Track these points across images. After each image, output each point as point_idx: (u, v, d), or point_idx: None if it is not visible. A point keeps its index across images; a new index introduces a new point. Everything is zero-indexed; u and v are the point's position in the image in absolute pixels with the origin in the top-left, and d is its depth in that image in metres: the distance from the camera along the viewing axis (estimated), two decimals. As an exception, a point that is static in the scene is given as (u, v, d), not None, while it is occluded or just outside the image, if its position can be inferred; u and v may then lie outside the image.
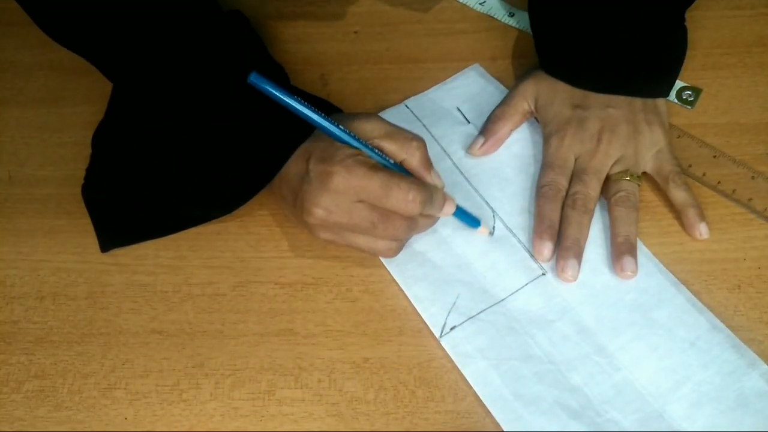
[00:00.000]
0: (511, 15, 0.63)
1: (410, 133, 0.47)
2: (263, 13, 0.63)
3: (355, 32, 0.62)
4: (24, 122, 0.58)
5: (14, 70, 0.61)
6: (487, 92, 0.58)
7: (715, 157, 0.52)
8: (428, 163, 0.47)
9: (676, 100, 0.56)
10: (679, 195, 0.50)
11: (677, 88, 0.56)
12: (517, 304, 0.47)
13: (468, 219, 0.50)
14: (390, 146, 0.46)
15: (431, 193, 0.45)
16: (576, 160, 0.51)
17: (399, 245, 0.47)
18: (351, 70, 0.60)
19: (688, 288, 0.47)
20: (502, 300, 0.48)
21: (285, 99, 0.44)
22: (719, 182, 0.51)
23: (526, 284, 0.48)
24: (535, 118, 0.55)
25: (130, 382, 0.46)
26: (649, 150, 0.52)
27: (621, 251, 0.48)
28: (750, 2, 0.60)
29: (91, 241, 0.52)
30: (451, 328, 0.47)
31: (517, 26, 0.62)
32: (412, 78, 0.59)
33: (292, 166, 0.47)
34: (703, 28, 0.59)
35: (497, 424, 0.43)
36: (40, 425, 0.45)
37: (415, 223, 0.46)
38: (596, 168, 0.50)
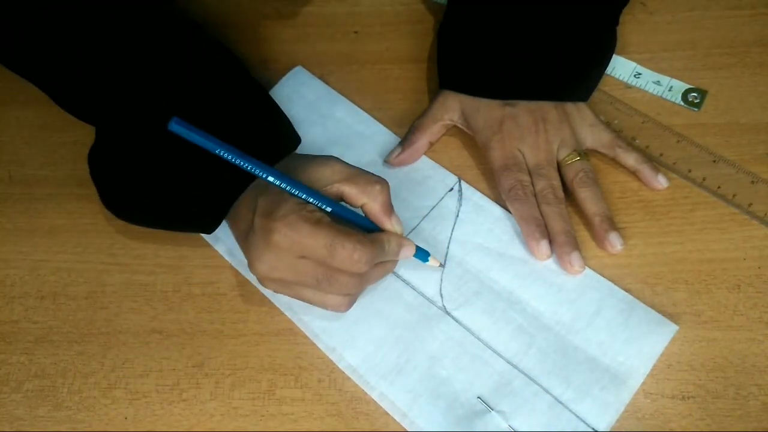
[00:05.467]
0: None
1: (373, 175, 0.44)
2: (263, 13, 0.63)
3: (355, 32, 0.62)
4: (24, 122, 0.58)
5: (14, 70, 0.61)
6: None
7: (714, 161, 0.52)
8: (389, 209, 0.45)
9: (682, 102, 0.56)
10: (629, 157, 0.52)
11: (683, 90, 0.56)
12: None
13: (420, 254, 0.47)
14: (351, 190, 0.44)
15: (381, 248, 0.43)
16: (524, 156, 0.52)
17: (350, 299, 0.45)
18: (351, 70, 0.60)
19: (687, 288, 0.48)
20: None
21: (217, 150, 0.40)
22: (719, 187, 0.51)
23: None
24: (463, 129, 0.54)
25: (130, 381, 0.46)
26: (583, 126, 0.53)
27: (604, 229, 0.49)
28: (750, 2, 0.60)
29: (91, 241, 0.52)
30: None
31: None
32: (412, 78, 0.59)
33: (242, 209, 0.45)
34: (703, 28, 0.59)
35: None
36: (40, 425, 0.45)
37: (366, 277, 0.44)
38: (547, 158, 0.51)
